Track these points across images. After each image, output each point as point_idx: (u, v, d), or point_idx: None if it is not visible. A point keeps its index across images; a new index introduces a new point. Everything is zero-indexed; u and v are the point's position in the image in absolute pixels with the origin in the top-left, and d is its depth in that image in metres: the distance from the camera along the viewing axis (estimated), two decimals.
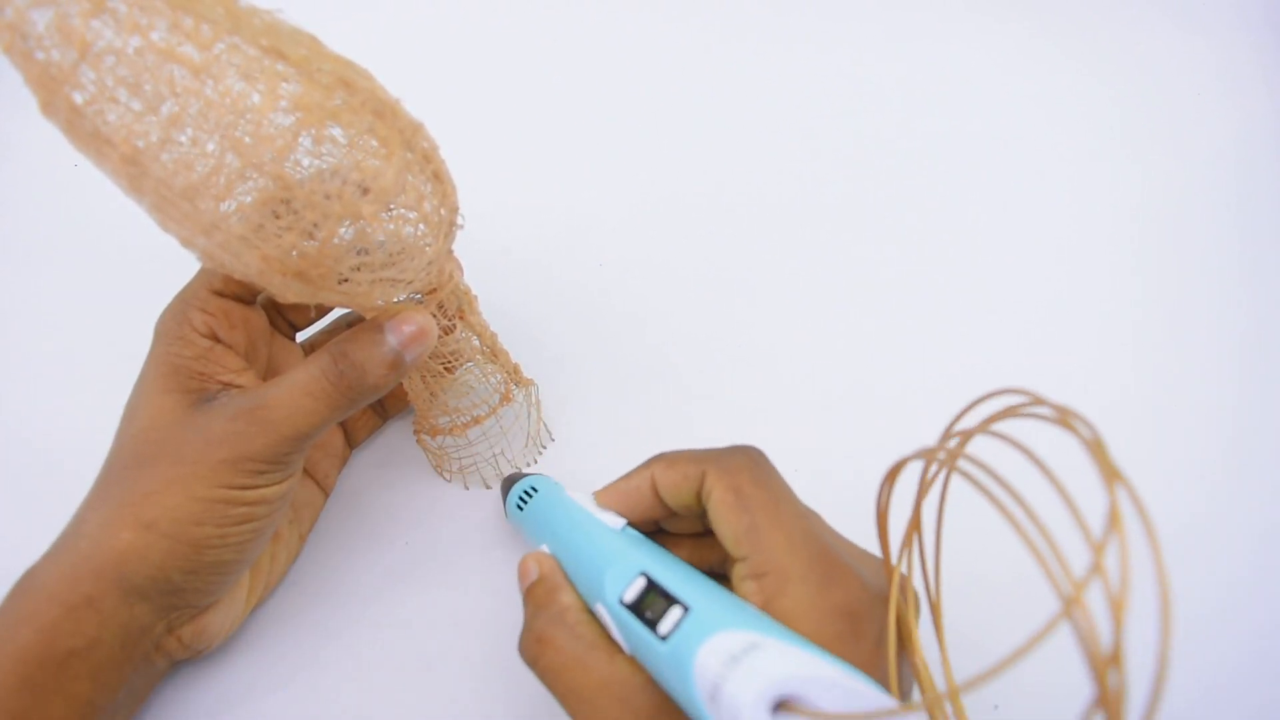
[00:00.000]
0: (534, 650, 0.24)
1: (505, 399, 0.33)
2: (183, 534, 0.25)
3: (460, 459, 0.33)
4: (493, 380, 0.33)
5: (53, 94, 0.18)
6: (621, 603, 0.23)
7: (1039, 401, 0.17)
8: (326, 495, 0.34)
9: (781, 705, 0.17)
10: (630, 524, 0.27)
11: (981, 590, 0.30)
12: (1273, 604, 0.32)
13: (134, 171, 0.19)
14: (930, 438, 0.35)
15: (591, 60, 0.45)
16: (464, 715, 0.30)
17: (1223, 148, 0.41)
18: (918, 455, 0.20)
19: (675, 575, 0.23)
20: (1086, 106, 0.43)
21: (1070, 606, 0.14)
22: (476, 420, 0.33)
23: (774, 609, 0.22)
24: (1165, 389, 0.36)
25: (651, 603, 0.22)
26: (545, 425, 0.35)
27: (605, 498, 0.27)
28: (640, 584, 0.23)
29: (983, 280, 0.39)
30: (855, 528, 0.25)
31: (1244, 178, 0.41)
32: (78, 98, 0.18)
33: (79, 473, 0.28)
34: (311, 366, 0.26)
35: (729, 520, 0.23)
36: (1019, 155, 0.42)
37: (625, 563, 0.24)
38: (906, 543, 0.22)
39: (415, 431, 0.34)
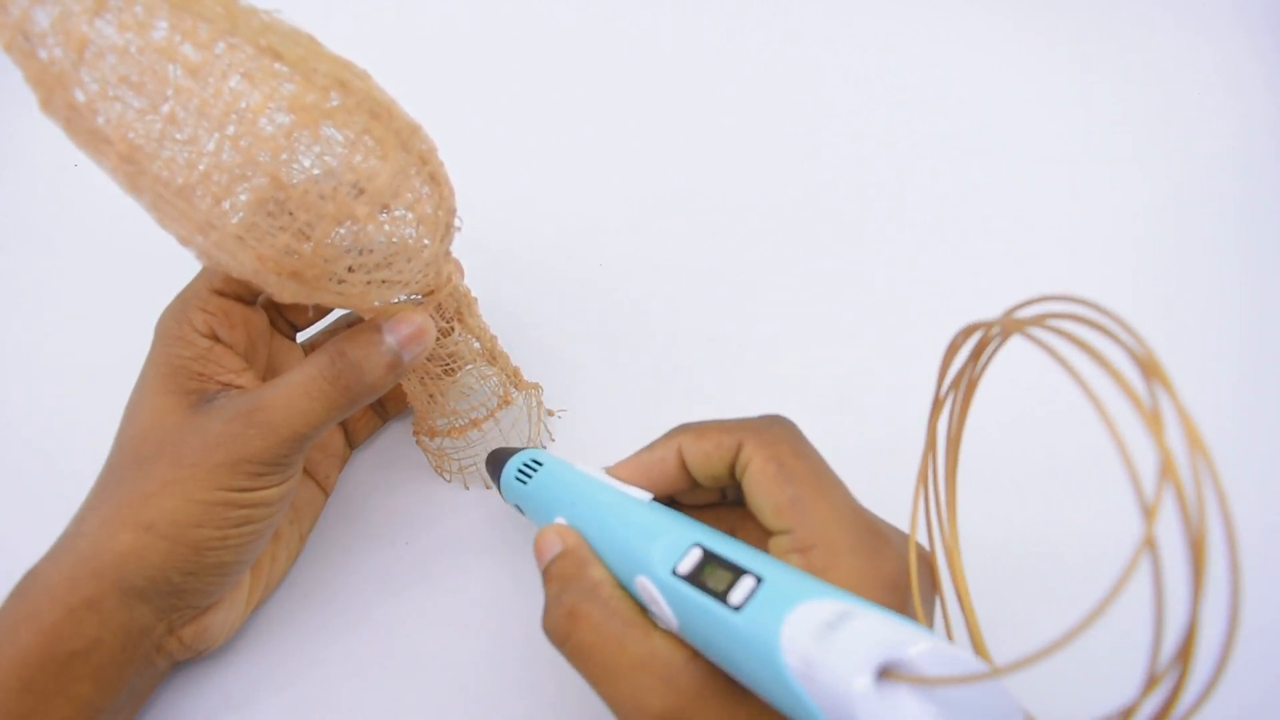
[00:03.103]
0: (565, 626, 0.23)
1: (504, 402, 0.33)
2: (182, 536, 0.25)
3: (460, 459, 0.33)
4: (491, 383, 0.33)
5: (52, 92, 0.18)
6: (676, 574, 0.21)
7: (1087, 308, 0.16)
8: (327, 495, 0.34)
9: (884, 673, 0.17)
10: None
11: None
12: (1269, 606, 0.31)
13: (131, 170, 0.19)
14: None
15: (591, 60, 0.45)
16: (464, 715, 0.30)
17: (1223, 148, 0.41)
18: (984, 324, 0.19)
19: (730, 546, 0.22)
20: (1087, 106, 0.43)
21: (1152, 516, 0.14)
22: (475, 423, 0.33)
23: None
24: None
25: (711, 573, 0.21)
26: (546, 426, 0.35)
27: (624, 471, 0.26)
28: (696, 555, 0.22)
29: (982, 282, 0.38)
30: None
31: (1244, 178, 0.41)
32: (78, 95, 0.19)
33: (79, 473, 0.28)
34: (309, 367, 0.26)
35: (770, 492, 0.22)
36: (1018, 155, 0.42)
37: (675, 534, 0.22)
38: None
39: (414, 432, 0.34)
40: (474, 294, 0.31)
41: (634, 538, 0.23)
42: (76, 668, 0.25)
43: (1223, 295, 0.38)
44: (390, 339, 0.26)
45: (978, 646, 0.22)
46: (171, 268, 0.30)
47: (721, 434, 0.24)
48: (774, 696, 0.19)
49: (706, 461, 0.24)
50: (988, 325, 0.18)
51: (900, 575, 0.21)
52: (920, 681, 0.16)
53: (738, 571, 0.20)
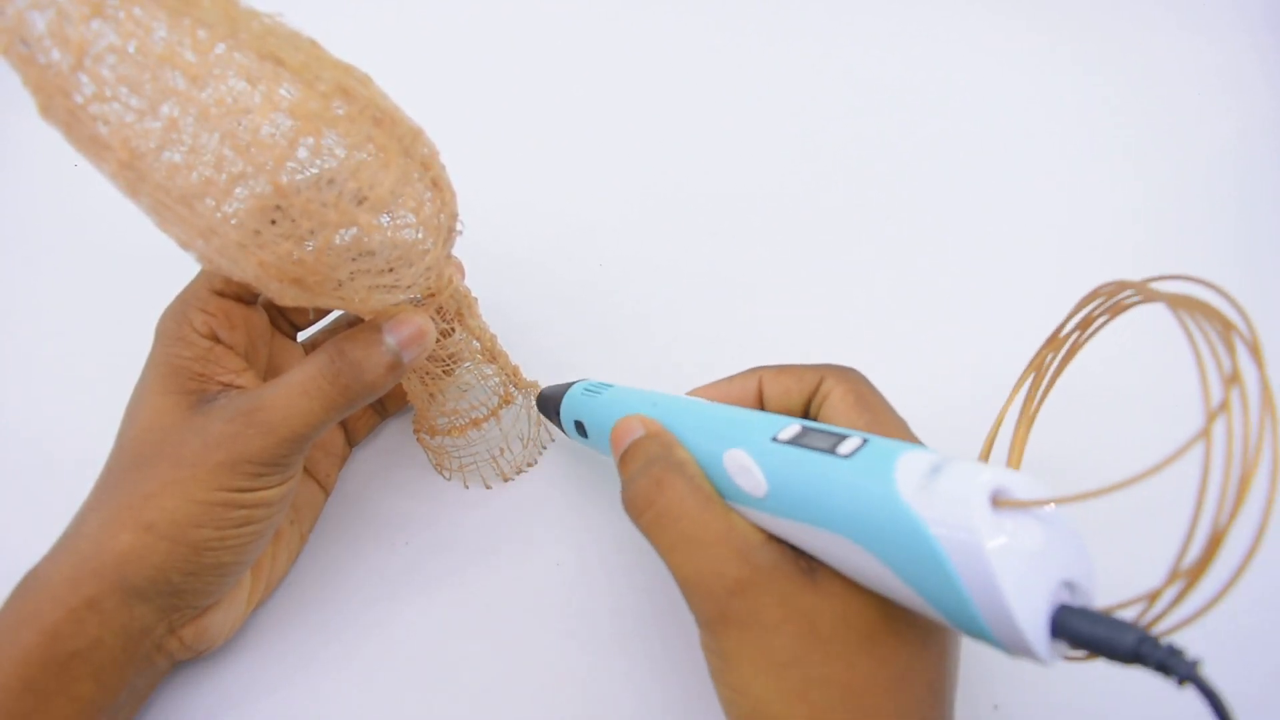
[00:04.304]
0: (650, 494, 0.24)
1: (505, 401, 0.33)
2: (182, 536, 0.25)
3: (460, 458, 0.33)
4: (492, 382, 0.33)
5: (51, 98, 0.18)
6: (778, 441, 0.22)
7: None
8: (327, 494, 0.34)
9: (994, 501, 0.18)
10: None
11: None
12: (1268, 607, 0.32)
13: (132, 176, 0.19)
14: (931, 433, 0.35)
15: (591, 62, 0.45)
16: (464, 715, 0.30)
17: (1223, 147, 0.41)
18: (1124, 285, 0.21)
19: (827, 426, 0.23)
20: (1087, 106, 0.43)
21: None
22: (475, 422, 0.33)
23: None
24: (1165, 389, 0.36)
25: (813, 438, 0.22)
26: (546, 426, 0.35)
27: (703, 394, 0.27)
28: (796, 427, 0.23)
29: (981, 283, 0.39)
30: None
31: (1244, 178, 0.41)
32: (77, 100, 0.18)
33: (79, 473, 0.28)
34: (309, 367, 0.26)
35: (850, 418, 0.24)
36: (1018, 155, 0.42)
37: (770, 418, 0.24)
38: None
39: (415, 431, 0.34)
40: (474, 294, 0.31)
41: (724, 421, 0.25)
42: (77, 667, 0.25)
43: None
44: (390, 339, 0.26)
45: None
46: (171, 269, 0.30)
47: (802, 371, 0.26)
48: (882, 539, 0.19)
49: (786, 395, 0.26)
50: (1127, 286, 0.21)
51: None
52: (1027, 504, 0.18)
53: (839, 436, 0.21)
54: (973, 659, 0.29)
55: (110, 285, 0.39)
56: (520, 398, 0.34)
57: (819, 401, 0.25)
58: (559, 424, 0.31)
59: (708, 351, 0.37)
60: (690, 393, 0.28)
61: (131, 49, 0.18)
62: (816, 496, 0.21)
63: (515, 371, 0.33)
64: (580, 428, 0.30)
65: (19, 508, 0.34)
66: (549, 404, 0.31)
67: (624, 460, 0.26)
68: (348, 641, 0.32)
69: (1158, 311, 0.19)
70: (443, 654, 0.31)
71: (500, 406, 0.33)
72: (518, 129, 0.43)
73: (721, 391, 0.27)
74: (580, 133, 0.43)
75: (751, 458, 0.22)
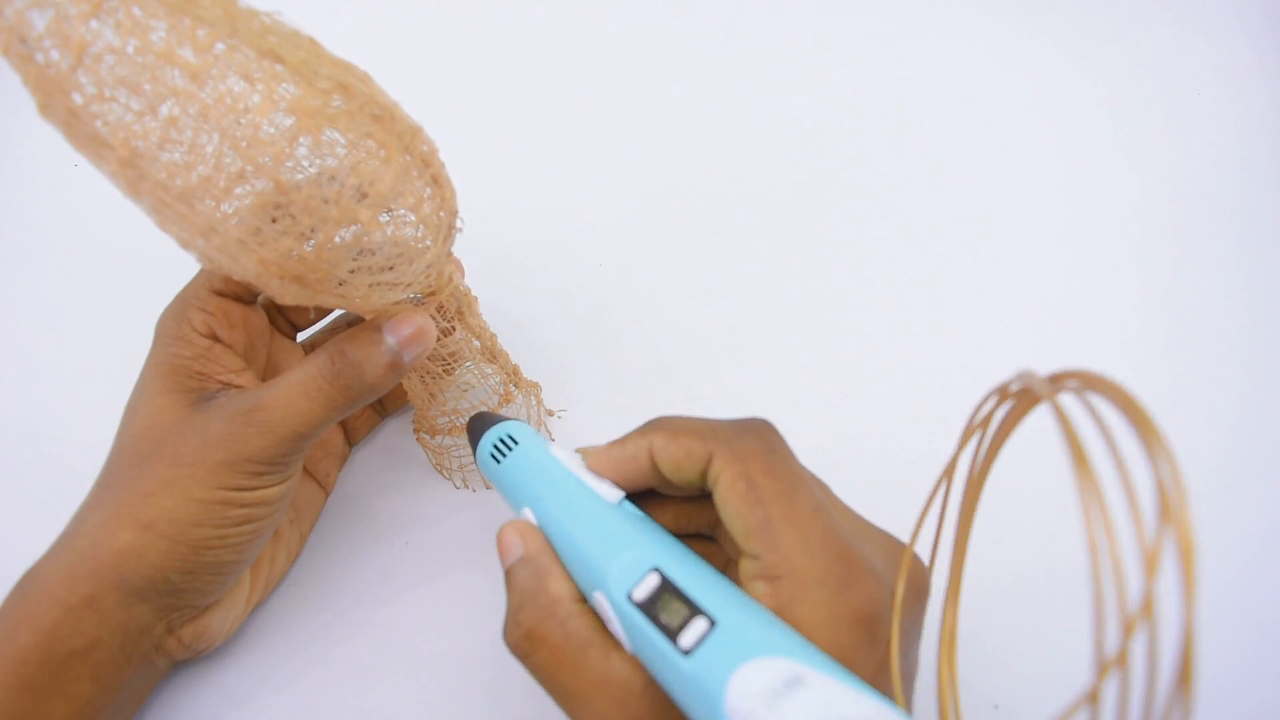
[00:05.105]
0: (524, 646, 0.23)
1: (505, 400, 0.33)
2: (181, 535, 0.25)
3: (460, 457, 0.33)
4: (492, 381, 0.33)
5: (51, 96, 0.18)
6: (631, 600, 0.21)
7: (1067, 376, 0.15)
8: (327, 494, 0.34)
9: None
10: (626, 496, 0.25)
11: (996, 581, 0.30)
12: (1269, 606, 0.32)
13: (132, 174, 0.19)
14: (929, 434, 0.35)
15: (590, 61, 0.45)
16: (465, 714, 0.30)
17: (1223, 148, 0.41)
18: (1007, 389, 0.17)
19: (691, 574, 0.21)
20: (1086, 106, 0.43)
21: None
22: None
23: (789, 616, 0.20)
24: (1165, 389, 0.36)
25: (666, 605, 0.20)
26: (545, 426, 0.35)
27: (597, 463, 0.25)
28: (654, 581, 0.21)
29: (982, 282, 0.39)
30: None
31: (1244, 178, 0.41)
32: (76, 100, 0.18)
33: (79, 472, 0.28)
34: (309, 366, 0.26)
35: (740, 513, 0.22)
36: (1017, 155, 0.42)
37: (634, 552, 0.22)
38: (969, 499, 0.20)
39: (415, 430, 0.34)
40: (474, 293, 0.31)
41: (595, 549, 0.23)
42: (76, 667, 0.25)
43: (1223, 295, 0.38)
44: (391, 339, 0.26)
45: (942, 711, 0.21)
46: (171, 268, 0.30)
47: (693, 440, 0.23)
48: None
49: (677, 468, 0.23)
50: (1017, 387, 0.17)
51: (871, 608, 0.21)
52: None
53: (693, 609, 0.20)
54: (973, 659, 0.29)
55: (109, 285, 0.39)
56: (520, 397, 0.34)
57: (712, 481, 0.23)
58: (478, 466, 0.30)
59: (706, 351, 0.37)
60: (588, 458, 0.25)
61: (131, 48, 0.18)
62: (664, 682, 0.20)
63: (516, 371, 0.33)
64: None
65: (19, 508, 0.34)
66: (474, 433, 0.29)
67: (506, 584, 0.24)
68: (347, 641, 0.32)
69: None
70: (442, 653, 0.31)
71: (500, 405, 0.33)
72: (517, 129, 0.43)
73: (615, 461, 0.25)
74: (579, 132, 0.43)
75: (613, 612, 0.21)
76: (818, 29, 0.46)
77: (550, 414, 0.36)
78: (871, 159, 0.42)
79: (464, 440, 0.33)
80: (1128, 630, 0.13)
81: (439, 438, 0.33)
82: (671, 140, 0.43)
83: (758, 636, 0.19)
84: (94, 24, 0.18)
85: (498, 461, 0.27)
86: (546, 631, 0.22)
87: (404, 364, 0.26)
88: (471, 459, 0.33)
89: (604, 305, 0.38)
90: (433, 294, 0.28)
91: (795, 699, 0.17)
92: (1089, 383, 0.15)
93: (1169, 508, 0.12)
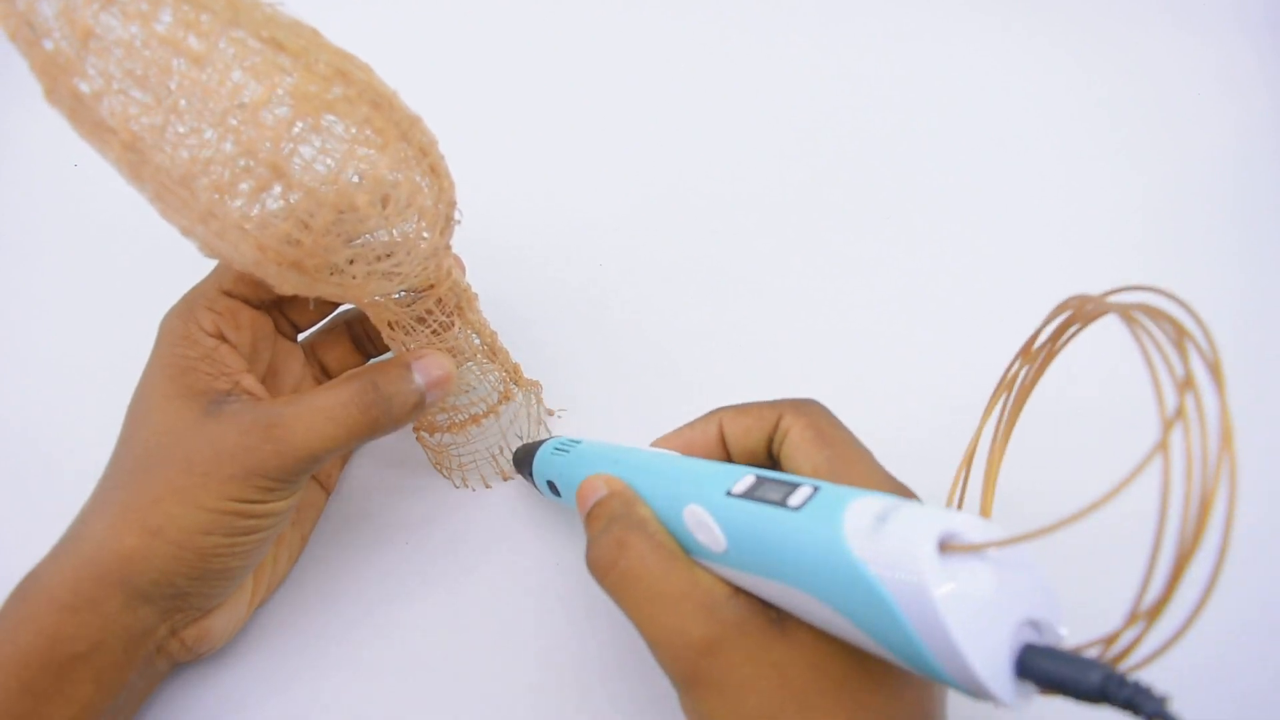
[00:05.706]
0: (612, 554, 0.23)
1: (505, 397, 0.33)
2: (189, 542, 0.25)
3: (460, 456, 0.33)
4: (492, 379, 0.33)
5: (57, 81, 0.19)
6: (731, 495, 0.22)
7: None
8: (328, 494, 0.34)
9: (942, 546, 0.18)
10: None
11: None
12: (1269, 606, 0.31)
13: (134, 159, 0.19)
14: (930, 430, 0.35)
15: (592, 58, 0.46)
16: (466, 715, 0.30)
17: (1223, 148, 0.41)
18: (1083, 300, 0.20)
19: (779, 474, 0.23)
20: (1086, 106, 0.43)
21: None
22: (475, 419, 0.33)
23: None
24: (1137, 406, 0.35)
25: (766, 490, 0.22)
26: (545, 426, 0.35)
27: (665, 444, 0.27)
28: (750, 478, 0.23)
29: (982, 282, 0.38)
30: None
31: (1244, 178, 0.40)
32: (82, 86, 0.19)
33: (80, 473, 0.28)
34: (340, 392, 0.26)
35: (810, 454, 0.24)
36: (1017, 155, 0.42)
37: (726, 470, 0.24)
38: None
39: (414, 429, 0.34)
40: (474, 290, 0.31)
41: (683, 475, 0.24)
42: (77, 669, 0.25)
43: (1223, 295, 0.38)
44: (420, 379, 0.27)
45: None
46: (171, 268, 0.30)
47: (761, 409, 0.26)
48: (834, 588, 0.19)
49: (747, 436, 0.26)
50: (1085, 301, 0.20)
51: None
52: (976, 548, 0.18)
53: (791, 486, 0.21)
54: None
55: (109, 285, 0.39)
56: (521, 396, 0.34)
57: (779, 439, 0.25)
58: (534, 484, 0.31)
59: (708, 350, 0.37)
60: (654, 442, 0.28)
61: (136, 34, 0.19)
62: (771, 551, 0.21)
63: (516, 369, 0.33)
64: (553, 487, 0.30)
65: (19, 508, 0.34)
66: (523, 464, 0.32)
67: (588, 521, 0.25)
68: (348, 642, 0.31)
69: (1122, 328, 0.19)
70: (443, 654, 0.31)
71: (500, 403, 0.33)
72: (518, 126, 0.44)
73: (684, 439, 0.27)
74: (581, 130, 0.43)
75: (709, 513, 0.22)
76: (818, 29, 0.46)
77: (550, 413, 0.35)
78: (871, 158, 0.42)
79: (463, 438, 0.33)
80: (1183, 388, 0.16)
81: (439, 436, 0.33)
82: (672, 139, 0.43)
83: (855, 490, 0.21)
84: (101, 13, 0.19)
85: (565, 453, 0.29)
86: (636, 540, 0.23)
87: (426, 405, 0.28)
88: (470, 456, 0.34)
89: (604, 305, 0.38)
90: (432, 287, 0.28)
91: (899, 515, 0.18)
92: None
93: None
